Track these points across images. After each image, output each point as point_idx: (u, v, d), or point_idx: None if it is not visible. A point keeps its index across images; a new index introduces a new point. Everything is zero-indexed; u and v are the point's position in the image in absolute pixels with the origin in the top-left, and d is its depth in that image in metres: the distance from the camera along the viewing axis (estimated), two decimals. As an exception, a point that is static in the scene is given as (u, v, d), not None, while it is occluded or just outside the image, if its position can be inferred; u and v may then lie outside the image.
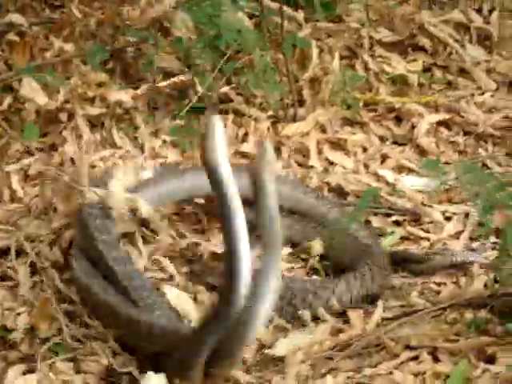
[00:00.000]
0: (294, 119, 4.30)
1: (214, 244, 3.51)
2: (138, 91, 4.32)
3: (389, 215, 3.72)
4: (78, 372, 2.89)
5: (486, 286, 3.06)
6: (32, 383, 2.81)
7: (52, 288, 3.27)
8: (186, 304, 2.93)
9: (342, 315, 3.09)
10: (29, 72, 4.15)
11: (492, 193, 3.03)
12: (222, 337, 2.61)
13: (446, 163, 4.01)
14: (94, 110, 4.21)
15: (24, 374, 2.88)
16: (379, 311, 3.00)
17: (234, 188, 2.65)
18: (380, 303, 3.04)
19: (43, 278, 3.33)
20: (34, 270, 3.39)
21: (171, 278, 3.32)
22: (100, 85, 4.30)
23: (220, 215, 2.63)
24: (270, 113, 4.34)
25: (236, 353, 2.64)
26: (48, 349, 2.98)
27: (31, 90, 4.16)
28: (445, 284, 3.20)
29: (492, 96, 4.43)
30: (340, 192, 3.85)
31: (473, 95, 4.45)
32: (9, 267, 3.36)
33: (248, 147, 4.14)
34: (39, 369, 2.89)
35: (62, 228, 3.53)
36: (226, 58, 4.26)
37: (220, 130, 2.66)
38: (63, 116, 4.21)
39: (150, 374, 2.14)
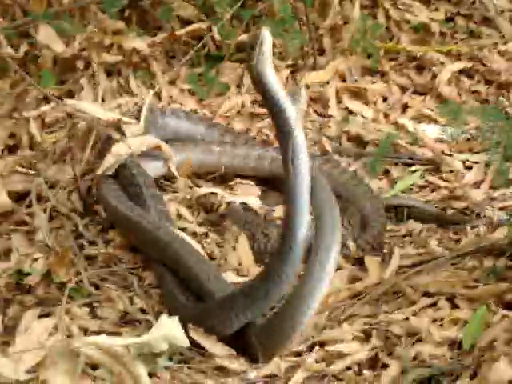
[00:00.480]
0: (314, 68, 4.26)
1: (230, 194, 3.49)
2: (156, 39, 4.28)
3: (409, 165, 3.68)
4: (94, 317, 2.88)
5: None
6: (47, 327, 2.80)
7: (72, 233, 3.27)
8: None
9: (358, 262, 3.07)
10: (45, 18, 4.11)
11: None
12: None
13: (468, 110, 3.96)
14: (111, 58, 4.17)
15: (40, 317, 2.88)
16: (396, 258, 2.97)
17: (286, 99, 2.52)
18: (397, 251, 3.02)
19: (62, 223, 3.33)
20: (50, 216, 3.38)
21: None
22: (117, 32, 4.27)
23: (276, 131, 2.51)
24: (290, 62, 4.30)
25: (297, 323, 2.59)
26: (64, 293, 2.98)
27: (48, 36, 4.12)
28: (464, 232, 3.17)
29: (516, 45, 4.36)
30: (359, 141, 3.81)
31: (496, 44, 4.38)
32: (25, 213, 3.35)
33: (266, 96, 4.09)
34: (55, 313, 2.88)
35: (80, 175, 3.52)
36: (244, 4, 4.20)
37: (269, 43, 2.55)
38: (80, 63, 4.18)
39: (164, 317, 2.13)
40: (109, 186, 3.31)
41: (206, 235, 3.24)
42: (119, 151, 3.43)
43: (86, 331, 2.80)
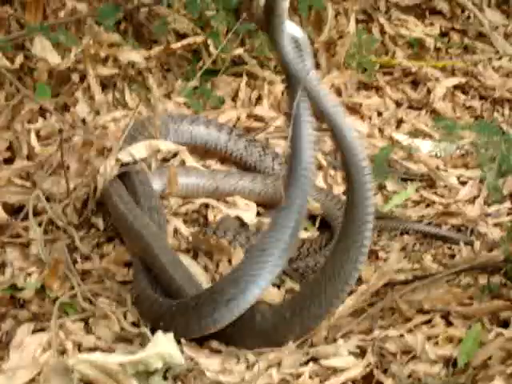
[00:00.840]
0: (309, 83, 4.26)
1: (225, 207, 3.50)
2: (151, 52, 4.29)
3: (404, 180, 3.69)
4: (88, 333, 2.87)
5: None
6: (41, 342, 2.79)
7: (67, 247, 3.26)
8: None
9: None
10: (41, 31, 4.11)
11: (507, 156, 2.99)
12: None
13: (462, 126, 3.97)
14: (107, 71, 4.17)
15: (34, 332, 2.87)
16: (392, 265, 2.96)
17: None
18: (392, 258, 3.01)
19: (58, 236, 3.32)
20: (45, 229, 3.37)
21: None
22: (112, 45, 4.27)
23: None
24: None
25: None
26: (58, 308, 2.97)
27: (43, 49, 4.12)
28: (459, 248, 3.18)
29: (509, 60, 4.38)
30: (354, 156, 3.81)
31: (490, 59, 4.40)
32: (20, 226, 3.34)
33: (262, 110, 4.10)
34: (49, 328, 2.87)
35: (75, 188, 3.51)
36: (239, 18, 4.21)
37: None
38: (75, 76, 4.18)
39: (160, 333, 2.13)
40: (117, 190, 3.30)
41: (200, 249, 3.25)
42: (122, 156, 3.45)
43: (80, 347, 2.79)
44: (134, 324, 2.79)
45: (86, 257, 3.26)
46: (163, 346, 2.14)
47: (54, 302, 3.00)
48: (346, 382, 2.56)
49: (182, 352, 2.42)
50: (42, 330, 2.88)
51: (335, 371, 2.61)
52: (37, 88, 4.13)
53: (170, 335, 2.16)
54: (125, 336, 2.74)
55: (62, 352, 2.74)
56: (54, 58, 4.08)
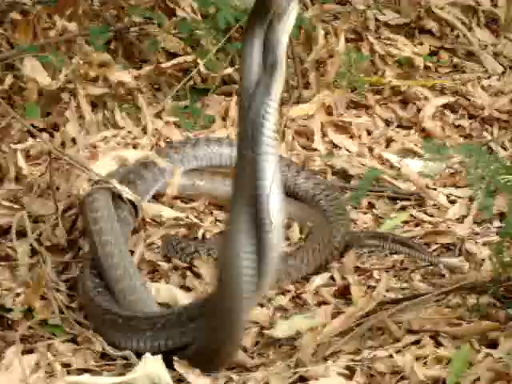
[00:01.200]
0: (299, 101, 4.27)
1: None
2: (141, 71, 4.29)
3: (393, 199, 3.69)
4: (76, 354, 2.86)
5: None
6: (30, 363, 2.78)
7: (55, 268, 3.26)
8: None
9: (344, 296, 3.07)
10: (31, 51, 4.12)
11: (495, 176, 3.00)
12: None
13: (452, 147, 3.98)
14: (97, 90, 4.17)
15: (22, 354, 2.86)
16: (381, 290, 2.96)
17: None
18: (382, 282, 3.01)
19: (45, 258, 3.32)
20: (33, 250, 3.37)
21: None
22: (102, 65, 4.27)
23: None
24: (276, 95, 4.30)
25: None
26: (46, 330, 2.97)
27: (33, 69, 4.12)
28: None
29: (498, 80, 4.40)
30: (344, 175, 3.82)
31: (479, 78, 4.42)
32: (9, 247, 3.34)
33: (251, 129, 4.10)
34: (38, 350, 2.86)
35: (65, 208, 3.51)
36: (229, 38, 4.22)
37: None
38: (65, 96, 4.18)
39: (147, 356, 2.12)
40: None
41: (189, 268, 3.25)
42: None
43: (68, 368, 2.78)
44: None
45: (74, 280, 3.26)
46: (152, 368, 2.13)
47: (42, 324, 3.01)
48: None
49: (174, 370, 2.43)
50: (31, 351, 2.87)
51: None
52: (26, 108, 4.14)
53: (158, 357, 2.15)
54: (108, 358, 2.74)
55: (51, 373, 2.74)
56: (43, 78, 4.08)
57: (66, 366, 2.76)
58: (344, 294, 3.08)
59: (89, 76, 4.20)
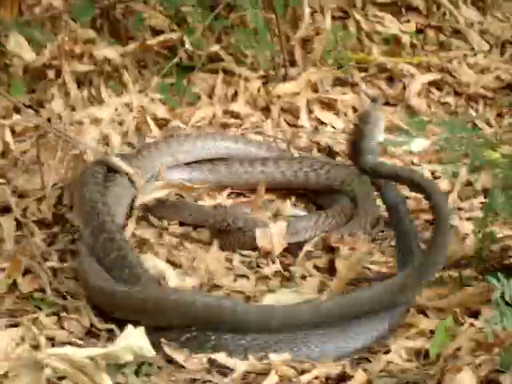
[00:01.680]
0: (285, 79, 4.27)
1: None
2: (127, 48, 4.28)
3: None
4: (61, 327, 2.87)
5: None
6: (15, 337, 2.79)
7: (43, 242, 3.27)
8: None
9: (329, 271, 3.08)
10: (16, 27, 4.10)
11: (479, 152, 3.02)
12: None
13: (436, 122, 4.00)
14: (82, 67, 4.17)
15: (7, 328, 2.86)
16: (363, 257, 2.97)
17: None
18: (363, 249, 3.02)
19: (30, 232, 3.32)
20: (18, 225, 3.37)
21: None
22: (88, 42, 4.26)
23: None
24: (261, 72, 4.31)
25: None
26: (31, 303, 2.97)
27: (18, 45, 4.11)
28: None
29: (484, 57, 4.40)
30: (329, 152, 3.83)
31: (465, 56, 4.42)
32: (-6, 222, 3.34)
33: (238, 106, 4.11)
34: (23, 323, 2.87)
35: (51, 184, 3.51)
36: (215, 14, 4.21)
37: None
38: (51, 73, 4.17)
39: (130, 328, 2.13)
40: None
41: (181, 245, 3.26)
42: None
43: (53, 341, 2.78)
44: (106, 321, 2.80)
45: (62, 251, 3.26)
46: (133, 339, 2.14)
47: (27, 298, 3.01)
48: (318, 377, 2.56)
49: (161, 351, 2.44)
50: (16, 325, 2.88)
51: (308, 366, 2.61)
52: (11, 85, 4.13)
53: (141, 328, 2.16)
54: (94, 331, 2.74)
55: (36, 347, 2.75)
56: (28, 55, 4.07)
57: (51, 339, 2.77)
58: (330, 267, 3.09)
59: (74, 53, 4.19)
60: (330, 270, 3.09)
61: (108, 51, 4.20)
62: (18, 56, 4.08)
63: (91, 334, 2.78)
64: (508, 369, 2.14)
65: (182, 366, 2.48)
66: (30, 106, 4.09)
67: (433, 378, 2.31)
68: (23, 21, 4.23)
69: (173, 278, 2.90)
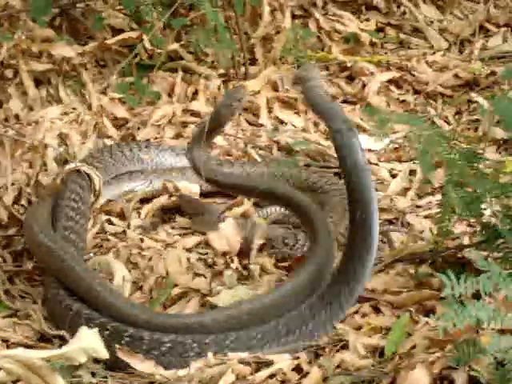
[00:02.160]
0: (245, 77, 4.27)
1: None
2: (86, 48, 4.26)
3: (338, 174, 3.70)
4: (15, 330, 2.84)
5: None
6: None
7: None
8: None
9: (287, 268, 3.08)
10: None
11: (437, 150, 3.03)
12: None
13: (394, 118, 4.01)
14: (40, 66, 4.14)
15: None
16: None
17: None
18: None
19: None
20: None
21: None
22: (46, 40, 4.23)
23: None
24: (221, 71, 4.30)
25: None
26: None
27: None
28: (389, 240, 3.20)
29: (443, 55, 4.43)
30: (289, 150, 3.83)
31: (424, 54, 4.44)
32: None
33: (198, 105, 4.09)
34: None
35: (9, 184, 3.48)
36: (173, 11, 4.19)
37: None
38: (8, 72, 4.14)
39: (84, 328, 2.12)
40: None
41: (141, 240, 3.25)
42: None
43: (7, 343, 2.76)
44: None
45: (18, 254, 3.24)
46: (87, 341, 2.13)
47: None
48: (275, 374, 2.56)
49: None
50: None
51: (266, 363, 2.61)
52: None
53: (95, 330, 2.14)
54: (46, 336, 2.73)
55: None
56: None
57: (5, 341, 2.75)
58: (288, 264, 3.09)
59: (32, 52, 4.16)
60: (290, 267, 3.10)
61: (66, 50, 4.17)
62: (-26, 56, 4.05)
63: (43, 339, 2.76)
64: (459, 365, 2.14)
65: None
66: (-13, 107, 4.06)
67: (387, 375, 2.32)
68: (-20, 20, 4.21)
69: (119, 272, 2.90)
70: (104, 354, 2.14)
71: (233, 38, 4.28)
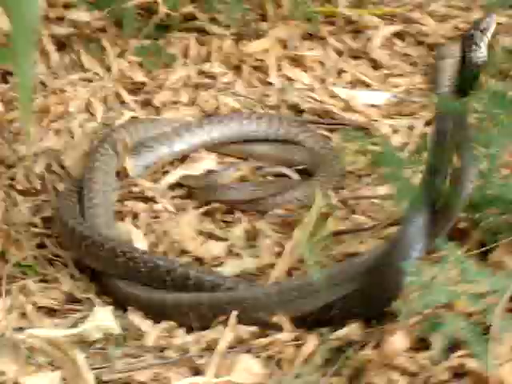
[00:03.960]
0: (257, 35, 4.33)
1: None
2: (104, 11, 4.35)
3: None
4: (45, 295, 3.03)
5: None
6: (4, 306, 2.95)
7: (29, 211, 3.42)
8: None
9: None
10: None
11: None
12: None
13: (400, 75, 4.09)
14: (61, 31, 4.25)
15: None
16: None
17: None
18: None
19: (18, 201, 3.47)
20: (8, 194, 3.52)
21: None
22: (67, 6, 4.34)
23: None
24: (234, 30, 4.37)
25: None
26: (18, 271, 3.14)
27: (-2, 16, 4.18)
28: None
29: (445, 5, 4.44)
30: (297, 109, 3.93)
31: (428, 4, 4.45)
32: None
33: (212, 66, 4.18)
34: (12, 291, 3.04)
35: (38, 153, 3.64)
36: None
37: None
38: (33, 39, 4.24)
39: (98, 308, 2.33)
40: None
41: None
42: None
43: (38, 308, 2.95)
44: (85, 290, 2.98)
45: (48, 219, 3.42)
46: (101, 319, 2.34)
47: (15, 266, 3.18)
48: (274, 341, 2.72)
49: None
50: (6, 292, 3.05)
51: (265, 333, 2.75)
52: (-1, 53, 4.21)
53: (108, 308, 2.36)
54: (75, 298, 2.94)
55: (23, 314, 2.94)
56: (4, 23, 4.13)
57: (33, 304, 2.93)
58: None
59: (52, 17, 4.26)
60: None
61: (82, 14, 4.27)
62: (-4, 25, 4.15)
63: (72, 301, 2.97)
64: (436, 330, 2.28)
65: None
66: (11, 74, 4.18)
67: (373, 338, 2.48)
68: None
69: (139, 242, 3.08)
70: (116, 330, 2.35)
71: (243, -3, 4.33)
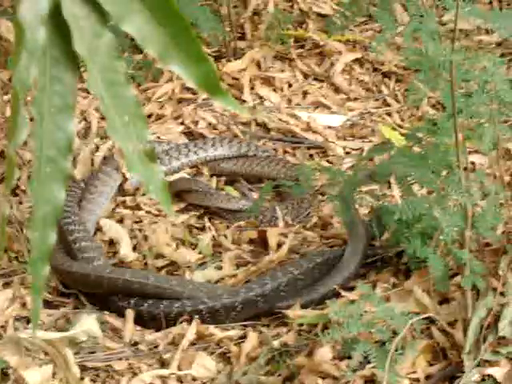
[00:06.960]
0: (235, 54, 4.58)
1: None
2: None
3: (307, 148, 4.15)
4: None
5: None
6: (9, 296, 3.30)
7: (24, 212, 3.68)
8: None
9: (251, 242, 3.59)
10: (3, 15, 4.46)
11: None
12: None
13: (355, 99, 4.42)
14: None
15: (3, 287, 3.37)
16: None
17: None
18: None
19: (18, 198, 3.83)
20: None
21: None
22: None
23: None
24: (215, 48, 4.63)
25: None
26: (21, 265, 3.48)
27: (8, 30, 4.47)
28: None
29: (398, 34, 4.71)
30: (265, 127, 4.26)
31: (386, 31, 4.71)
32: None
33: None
34: (13, 283, 3.35)
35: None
36: None
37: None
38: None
39: (84, 315, 2.77)
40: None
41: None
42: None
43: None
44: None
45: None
46: (87, 325, 2.79)
47: (16, 260, 3.52)
48: (223, 339, 3.11)
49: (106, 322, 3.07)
50: (8, 284, 3.37)
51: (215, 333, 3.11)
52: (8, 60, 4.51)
53: (93, 315, 2.80)
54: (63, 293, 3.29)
55: (23, 304, 3.32)
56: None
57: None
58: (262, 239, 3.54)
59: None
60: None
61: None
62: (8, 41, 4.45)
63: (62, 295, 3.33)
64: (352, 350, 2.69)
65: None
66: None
67: (307, 346, 2.88)
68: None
69: (125, 247, 3.47)
70: (98, 334, 2.80)
71: (222, 16, 4.62)
